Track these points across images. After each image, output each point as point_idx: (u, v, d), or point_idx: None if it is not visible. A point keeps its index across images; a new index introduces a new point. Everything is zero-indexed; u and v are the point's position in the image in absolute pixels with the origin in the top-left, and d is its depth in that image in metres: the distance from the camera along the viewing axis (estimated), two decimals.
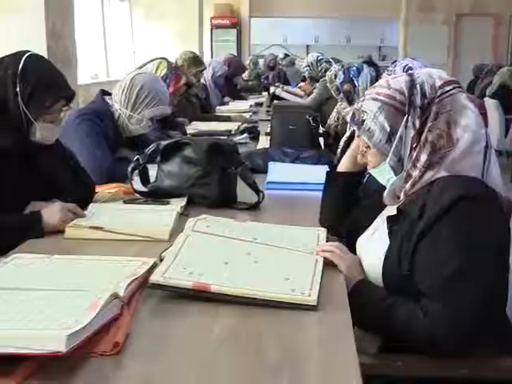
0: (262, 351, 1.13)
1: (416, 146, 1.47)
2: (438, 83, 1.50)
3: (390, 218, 1.52)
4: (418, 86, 1.49)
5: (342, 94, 3.20)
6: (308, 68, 5.51)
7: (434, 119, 1.47)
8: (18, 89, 1.83)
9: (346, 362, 1.08)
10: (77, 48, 5.45)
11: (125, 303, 1.24)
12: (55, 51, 4.54)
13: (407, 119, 1.48)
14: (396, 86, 1.51)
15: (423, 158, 1.46)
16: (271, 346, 1.14)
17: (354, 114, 1.56)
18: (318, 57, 5.49)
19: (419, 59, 2.36)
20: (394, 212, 1.52)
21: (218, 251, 1.52)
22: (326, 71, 4.99)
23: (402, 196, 1.51)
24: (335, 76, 3.48)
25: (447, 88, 1.50)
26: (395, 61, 3.46)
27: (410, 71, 1.62)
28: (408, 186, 1.49)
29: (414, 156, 1.47)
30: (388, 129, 1.49)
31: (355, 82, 3.15)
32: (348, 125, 3.49)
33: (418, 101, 1.48)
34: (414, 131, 1.47)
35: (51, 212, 1.82)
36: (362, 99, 1.57)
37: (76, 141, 2.43)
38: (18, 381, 1.00)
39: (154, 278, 1.33)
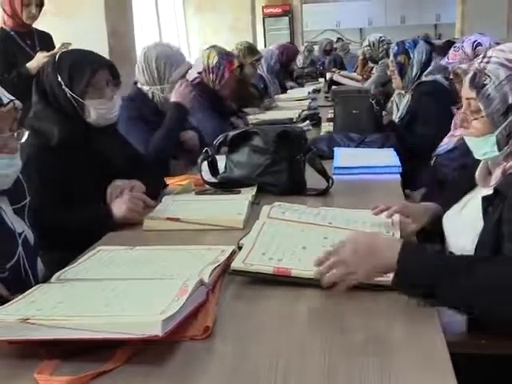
0: (347, 330, 1.15)
1: None
2: None
3: (485, 198, 1.44)
4: None
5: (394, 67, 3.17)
6: (368, 48, 5.38)
7: None
8: (59, 78, 1.93)
9: (432, 339, 1.09)
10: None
11: (210, 289, 1.28)
12: (115, 49, 4.63)
13: None
14: None
15: None
16: (355, 326, 1.16)
17: (474, 75, 1.44)
18: (380, 37, 5.36)
19: (487, 35, 2.31)
20: (490, 192, 1.44)
21: (295, 236, 1.54)
22: (386, 53, 4.93)
23: (498, 174, 1.46)
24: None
25: None
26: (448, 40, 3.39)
27: None
28: (509, 164, 1.42)
29: None
30: (510, 101, 1.40)
31: (410, 54, 3.10)
32: (402, 105, 3.42)
33: None
34: None
35: (119, 204, 1.88)
36: (485, 60, 1.44)
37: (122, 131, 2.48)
38: (118, 365, 1.06)
39: (236, 264, 1.37)
